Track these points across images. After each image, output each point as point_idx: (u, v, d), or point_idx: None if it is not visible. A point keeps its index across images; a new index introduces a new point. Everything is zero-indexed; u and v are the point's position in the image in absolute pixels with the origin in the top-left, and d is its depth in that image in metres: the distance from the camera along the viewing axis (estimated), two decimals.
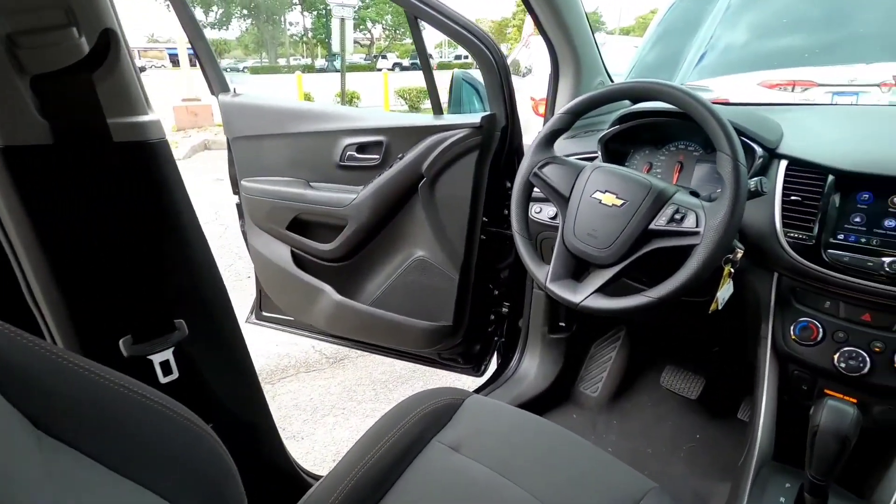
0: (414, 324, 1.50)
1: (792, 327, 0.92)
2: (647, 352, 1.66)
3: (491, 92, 1.37)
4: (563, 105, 1.00)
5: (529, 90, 5.12)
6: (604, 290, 0.88)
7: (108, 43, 0.62)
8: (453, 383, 2.02)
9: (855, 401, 0.90)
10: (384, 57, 30.57)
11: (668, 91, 0.86)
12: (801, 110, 1.20)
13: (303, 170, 1.52)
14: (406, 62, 28.49)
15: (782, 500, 0.88)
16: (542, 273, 0.96)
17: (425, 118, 1.45)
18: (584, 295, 0.88)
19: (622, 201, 0.87)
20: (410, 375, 2.17)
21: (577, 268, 0.94)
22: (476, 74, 1.53)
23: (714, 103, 0.85)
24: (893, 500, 0.86)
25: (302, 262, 1.60)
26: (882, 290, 0.83)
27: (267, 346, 2.34)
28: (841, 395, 0.91)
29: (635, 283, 0.88)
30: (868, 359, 0.85)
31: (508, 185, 1.43)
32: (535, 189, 1.02)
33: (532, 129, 2.08)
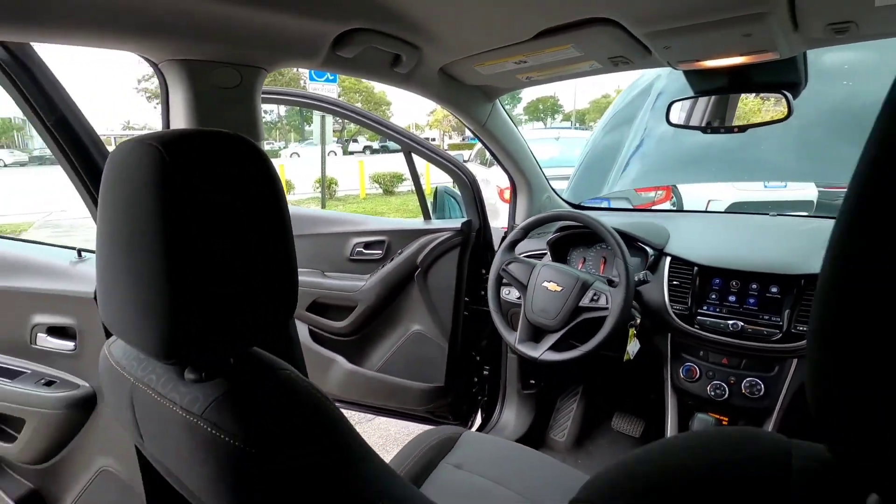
0: (412, 385, 1.84)
1: (680, 370, 1.33)
2: (600, 403, 2.02)
3: (467, 202, 1.82)
4: (521, 220, 1.45)
5: (495, 179, 5.72)
6: (554, 347, 1.28)
7: None
8: None
9: (726, 419, 1.29)
10: (355, 140, 30.87)
11: (580, 217, 1.32)
12: (684, 217, 1.68)
13: (321, 263, 1.91)
14: (376, 145, 28.83)
15: None
16: (512, 338, 1.36)
17: (417, 223, 1.89)
18: (541, 351, 1.28)
19: (561, 287, 1.29)
20: (406, 438, 2.45)
21: (536, 333, 1.34)
22: (453, 188, 2.00)
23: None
24: None
25: (318, 338, 1.95)
26: (730, 342, 1.26)
27: None
28: (717, 416, 1.31)
29: (573, 342, 1.28)
30: (727, 388, 1.26)
31: (483, 272, 1.85)
32: (504, 280, 1.44)
33: (501, 213, 2.53)
